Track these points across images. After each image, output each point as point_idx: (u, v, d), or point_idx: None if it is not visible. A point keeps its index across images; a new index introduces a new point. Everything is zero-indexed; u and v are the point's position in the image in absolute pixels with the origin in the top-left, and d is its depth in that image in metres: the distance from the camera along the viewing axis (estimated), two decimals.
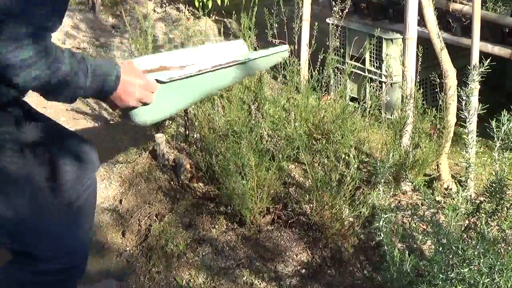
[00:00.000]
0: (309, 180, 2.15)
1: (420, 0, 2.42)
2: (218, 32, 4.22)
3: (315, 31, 2.72)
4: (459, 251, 1.41)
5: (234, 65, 1.93)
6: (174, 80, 1.79)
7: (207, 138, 2.35)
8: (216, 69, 1.88)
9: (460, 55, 2.82)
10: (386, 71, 3.33)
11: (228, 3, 4.51)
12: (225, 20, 4.63)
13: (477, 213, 1.69)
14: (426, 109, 2.46)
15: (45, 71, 1.44)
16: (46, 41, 1.44)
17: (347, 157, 2.20)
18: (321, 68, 2.70)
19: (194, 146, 2.61)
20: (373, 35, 3.15)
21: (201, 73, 1.85)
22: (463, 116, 1.74)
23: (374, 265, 2.11)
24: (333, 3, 2.77)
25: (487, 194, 1.66)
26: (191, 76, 1.83)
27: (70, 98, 1.54)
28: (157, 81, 1.72)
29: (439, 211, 1.66)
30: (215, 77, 1.91)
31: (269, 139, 2.50)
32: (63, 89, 1.50)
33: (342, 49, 3.61)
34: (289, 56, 2.66)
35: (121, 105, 1.64)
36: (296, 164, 2.63)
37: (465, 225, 1.70)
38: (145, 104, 1.68)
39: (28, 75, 1.42)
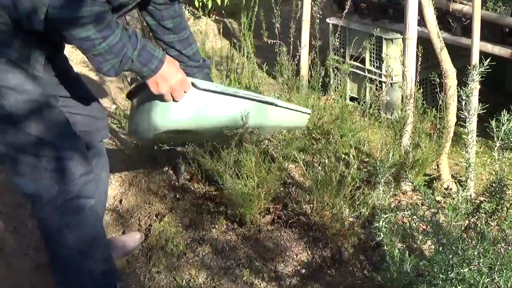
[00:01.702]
0: (309, 180, 2.15)
1: (420, 0, 2.42)
2: (218, 32, 4.23)
3: (317, 32, 2.72)
4: (459, 251, 1.41)
5: (260, 101, 1.99)
6: (207, 90, 1.84)
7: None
8: (245, 98, 1.93)
9: (460, 55, 2.82)
10: (386, 71, 3.33)
11: (228, 3, 4.51)
12: (225, 20, 4.63)
13: (477, 213, 1.69)
14: (426, 109, 2.46)
15: (95, 34, 1.57)
16: (102, 8, 1.57)
17: (347, 157, 2.20)
18: (320, 68, 2.70)
19: (194, 145, 2.61)
20: (373, 35, 3.15)
21: (233, 95, 1.90)
22: (463, 116, 1.74)
23: (374, 265, 2.11)
24: (332, 2, 2.76)
25: (487, 194, 1.66)
26: (224, 94, 1.87)
27: (115, 69, 1.66)
28: (192, 84, 1.80)
29: (439, 211, 1.66)
30: (239, 110, 1.91)
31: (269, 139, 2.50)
32: (109, 56, 1.62)
33: (342, 49, 3.61)
34: (285, 56, 2.67)
35: (154, 90, 1.74)
36: (296, 164, 2.63)
37: (465, 225, 1.70)
38: (173, 100, 1.77)
39: (78, 33, 1.56)
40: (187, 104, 1.81)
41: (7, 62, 1.60)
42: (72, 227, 1.75)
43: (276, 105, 2.05)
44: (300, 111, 2.17)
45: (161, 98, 1.77)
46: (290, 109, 2.14)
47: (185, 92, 1.79)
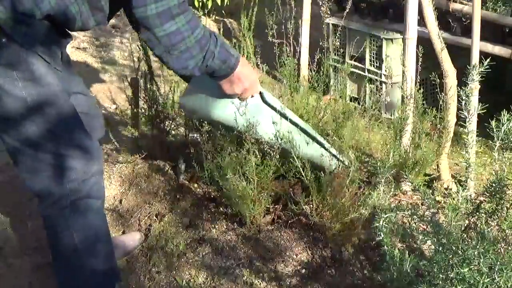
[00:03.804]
0: (309, 180, 2.15)
1: (420, 0, 2.42)
2: (218, 32, 4.23)
3: (324, 32, 2.71)
4: (459, 251, 1.41)
5: (313, 138, 2.14)
6: (267, 103, 1.95)
7: (206, 138, 2.34)
8: (295, 123, 2.08)
9: (460, 55, 2.82)
10: (386, 71, 3.33)
11: (228, 3, 4.51)
12: (225, 20, 4.63)
13: (477, 213, 1.69)
14: (426, 109, 2.46)
15: (185, 26, 1.59)
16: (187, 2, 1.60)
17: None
18: (320, 68, 2.69)
19: (194, 145, 2.61)
20: (373, 35, 3.15)
21: (284, 116, 2.01)
22: (463, 116, 1.74)
23: (374, 265, 2.11)
24: (321, 2, 2.75)
25: (487, 194, 1.66)
26: (275, 110, 1.98)
27: (199, 66, 1.66)
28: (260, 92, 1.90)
29: (439, 211, 1.66)
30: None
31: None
32: (195, 51, 1.63)
33: (342, 49, 3.61)
34: (287, 56, 2.67)
35: (228, 90, 1.78)
36: (296, 164, 2.62)
37: (465, 225, 1.69)
38: (240, 98, 1.83)
39: (170, 27, 1.57)
40: (247, 108, 1.89)
41: (33, 54, 1.60)
42: (79, 227, 1.75)
43: (323, 146, 2.18)
44: (337, 157, 2.22)
45: (226, 94, 1.82)
46: (331, 153, 2.21)
47: (252, 96, 1.85)
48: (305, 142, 2.13)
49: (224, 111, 1.91)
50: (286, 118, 2.05)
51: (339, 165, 2.18)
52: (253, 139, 2.01)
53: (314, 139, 2.17)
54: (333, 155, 2.21)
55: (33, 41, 1.59)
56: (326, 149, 2.21)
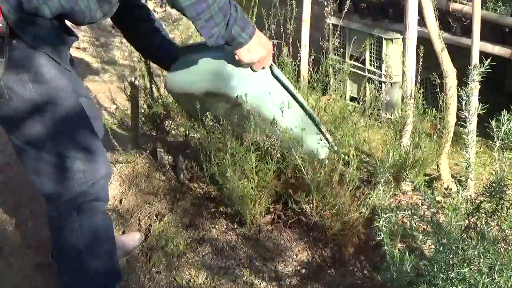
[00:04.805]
0: (309, 180, 2.15)
1: (420, 0, 2.42)
2: None
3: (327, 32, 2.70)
4: (459, 251, 1.41)
5: (311, 118, 2.07)
6: (275, 76, 1.87)
7: (207, 138, 2.34)
8: (297, 100, 1.97)
9: (460, 55, 2.82)
10: (386, 71, 3.33)
11: None
12: None
13: (477, 213, 1.69)
14: (426, 109, 2.46)
15: None
16: None
17: (347, 157, 2.20)
18: (320, 68, 2.69)
19: (194, 145, 2.61)
20: (373, 35, 3.15)
21: (291, 94, 1.93)
22: (463, 116, 1.74)
23: (374, 265, 2.11)
24: (325, 2, 2.75)
25: (487, 194, 1.66)
26: (285, 87, 1.91)
27: (222, 35, 1.62)
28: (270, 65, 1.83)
29: (439, 211, 1.66)
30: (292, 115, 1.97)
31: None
32: (218, 19, 1.59)
33: (342, 49, 3.61)
34: (286, 56, 2.66)
35: (245, 58, 1.71)
36: (296, 163, 2.62)
37: (465, 225, 1.70)
38: (252, 68, 1.77)
39: None
40: (255, 80, 1.82)
41: (43, 55, 1.59)
42: (85, 229, 1.75)
43: (317, 125, 2.12)
44: (327, 138, 2.18)
45: (238, 63, 1.76)
46: (323, 134, 2.16)
47: (263, 67, 1.79)
48: (307, 127, 2.10)
49: (235, 83, 1.83)
50: (292, 95, 1.98)
51: (332, 153, 2.17)
52: (256, 135, 1.97)
53: (316, 124, 2.13)
54: (328, 142, 2.19)
55: (42, 42, 1.59)
56: (324, 135, 2.17)
